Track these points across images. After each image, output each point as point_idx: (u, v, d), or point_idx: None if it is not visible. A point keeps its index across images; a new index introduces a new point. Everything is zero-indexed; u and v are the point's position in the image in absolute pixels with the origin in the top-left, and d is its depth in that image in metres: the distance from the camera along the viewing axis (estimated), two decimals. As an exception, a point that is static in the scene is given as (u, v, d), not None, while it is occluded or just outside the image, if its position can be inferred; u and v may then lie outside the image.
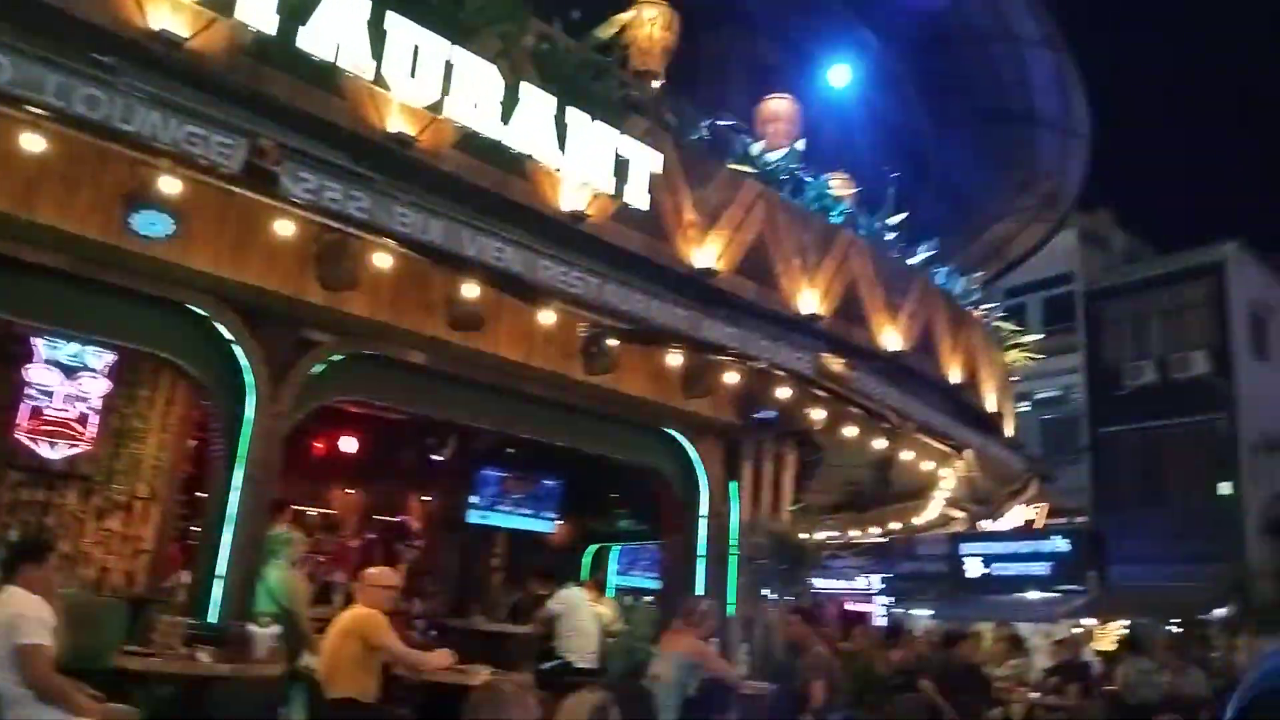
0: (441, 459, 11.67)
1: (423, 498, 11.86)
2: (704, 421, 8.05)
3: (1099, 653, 17.30)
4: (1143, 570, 20.63)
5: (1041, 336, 20.55)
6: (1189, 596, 16.60)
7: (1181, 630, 13.82)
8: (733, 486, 8.42)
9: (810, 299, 7.07)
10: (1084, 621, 20.67)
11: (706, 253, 6.43)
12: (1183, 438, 22.33)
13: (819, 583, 23.91)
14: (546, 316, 5.81)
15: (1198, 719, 8.27)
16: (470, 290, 5.50)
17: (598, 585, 9.04)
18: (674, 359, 6.57)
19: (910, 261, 8.43)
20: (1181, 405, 21.81)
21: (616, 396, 7.24)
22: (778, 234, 6.99)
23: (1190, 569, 18.29)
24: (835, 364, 7.03)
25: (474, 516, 11.49)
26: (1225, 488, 21.20)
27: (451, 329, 5.77)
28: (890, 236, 8.54)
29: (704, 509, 8.41)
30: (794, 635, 6.97)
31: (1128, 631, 20.03)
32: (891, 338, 7.80)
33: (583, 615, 7.67)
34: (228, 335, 5.58)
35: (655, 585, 11.65)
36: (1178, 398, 21.81)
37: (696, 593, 8.01)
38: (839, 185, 8.61)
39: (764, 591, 8.05)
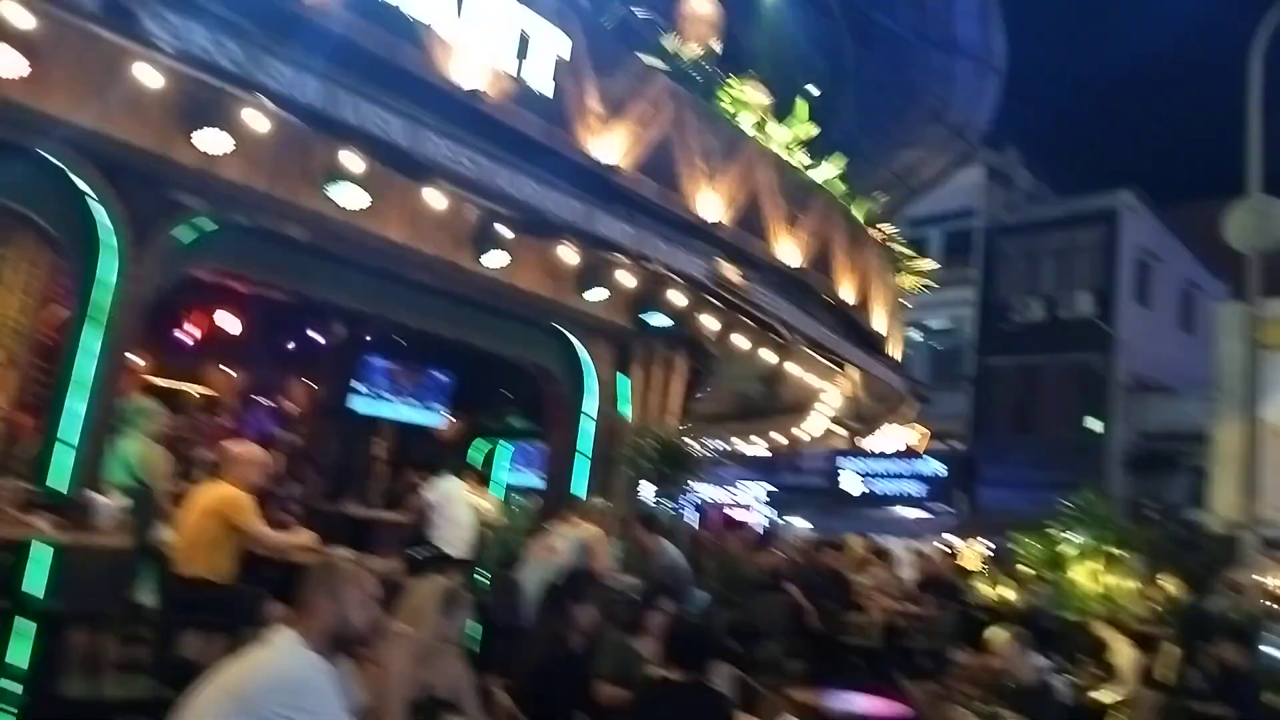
0: (327, 344, 11.38)
1: (305, 382, 11.57)
2: (596, 322, 7.98)
3: (961, 569, 18.27)
4: (1011, 495, 21.74)
5: (938, 267, 21.06)
6: (1044, 521, 17.52)
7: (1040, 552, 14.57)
8: (622, 388, 8.43)
9: (711, 205, 6.99)
10: (950, 539, 21.77)
11: (608, 146, 6.25)
12: (1061, 373, 23.37)
13: (706, 491, 24.55)
14: (435, 199, 5.58)
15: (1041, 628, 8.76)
16: (351, 161, 5.22)
17: (479, 478, 9.00)
18: (568, 254, 6.44)
19: (816, 177, 8.40)
20: (1063, 343, 22.75)
21: (507, 290, 7.09)
22: (684, 135, 6.84)
23: (1054, 496, 19.29)
24: (731, 273, 7.00)
25: (358, 405, 11.27)
26: (1094, 423, 22.36)
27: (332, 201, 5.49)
28: (799, 150, 8.47)
29: (590, 409, 8.41)
30: (640, 543, 7.10)
31: (991, 550, 21.20)
32: (789, 252, 7.80)
33: (458, 506, 7.63)
34: (86, 190, 5.20)
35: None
36: (1061, 335, 22.74)
37: (577, 492, 8.07)
38: (752, 93, 8.46)
39: (645, 494, 8.14)
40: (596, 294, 6.61)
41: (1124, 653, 7.87)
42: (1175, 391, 22.11)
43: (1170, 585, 11.10)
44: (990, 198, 25.22)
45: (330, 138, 5.09)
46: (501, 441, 13.37)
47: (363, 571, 2.81)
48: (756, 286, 7.06)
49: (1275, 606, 13.49)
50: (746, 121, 7.72)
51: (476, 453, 12.85)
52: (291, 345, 11.46)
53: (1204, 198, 21.89)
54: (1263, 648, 9.94)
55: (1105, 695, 7.41)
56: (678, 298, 6.81)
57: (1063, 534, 13.03)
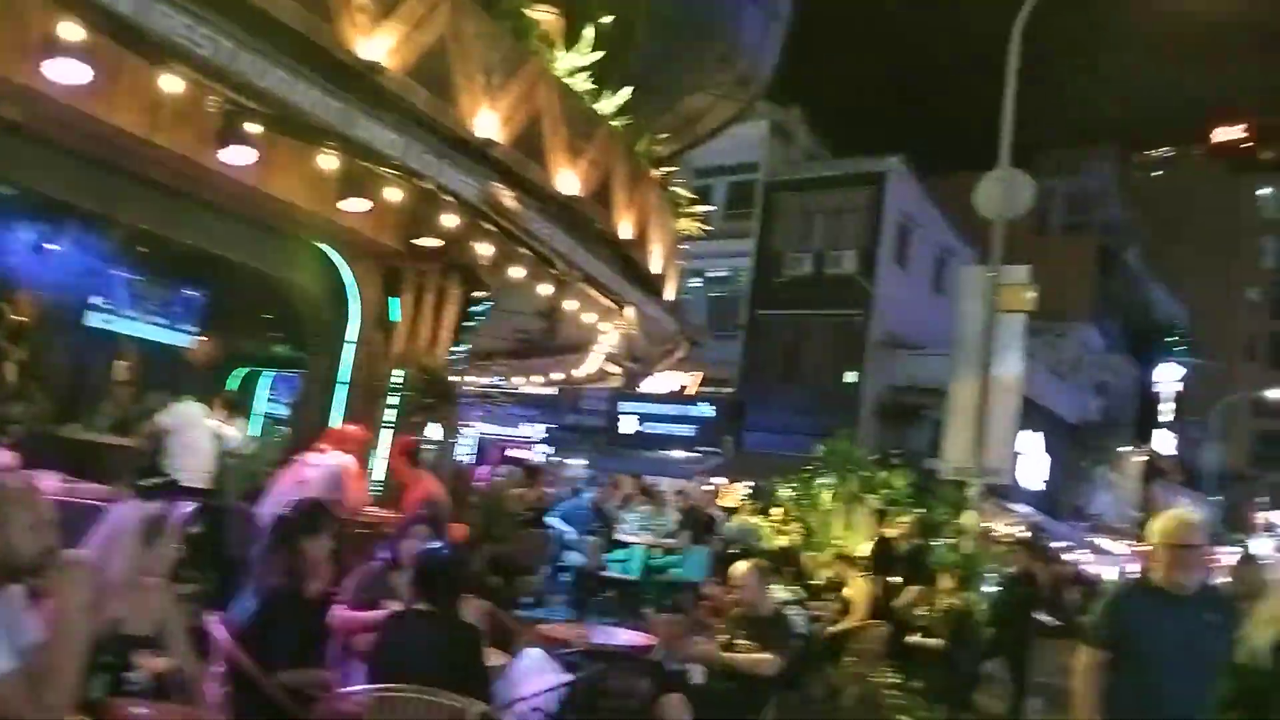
0: (60, 250, 10.11)
1: (34, 292, 10.25)
2: (362, 240, 7.49)
3: (723, 508, 19.06)
4: (775, 440, 22.89)
5: (717, 212, 21.58)
6: (803, 464, 18.60)
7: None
8: (390, 313, 8.02)
9: (488, 123, 6.65)
10: (716, 480, 22.69)
11: (375, 45, 5.77)
12: (824, 327, 24.72)
13: (485, 428, 24.26)
14: (171, 82, 4.93)
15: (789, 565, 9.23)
16: (70, 30, 4.52)
17: (228, 404, 8.33)
18: (327, 161, 5.92)
19: (600, 108, 8.21)
20: (829, 298, 24.03)
21: (259, 197, 6.48)
22: (462, 44, 6.44)
23: (814, 441, 20.50)
24: (507, 197, 6.71)
25: (95, 320, 10.15)
26: (851, 375, 23.86)
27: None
28: (584, 79, 8.23)
29: (353, 335, 7.94)
30: (400, 470, 6.84)
31: (751, 491, 22.26)
32: (569, 181, 7.59)
33: (197, 433, 7.03)
34: None
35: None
36: (827, 291, 24.00)
37: (334, 421, 7.63)
38: (540, 13, 8.12)
39: (410, 426, 7.81)
40: (356, 204, 6.15)
41: (859, 588, 8.42)
42: (923, 348, 23.94)
43: (906, 527, 12.00)
44: (772, 153, 26.08)
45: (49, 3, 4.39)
46: (263, 369, 12.51)
47: (32, 493, 2.41)
48: (534, 214, 6.82)
49: (996, 548, 14.95)
50: (531, 41, 7.41)
51: (234, 380, 11.95)
52: (16, 248, 10.11)
53: (960, 170, 23.68)
54: (984, 588, 10.95)
55: (839, 626, 7.91)
56: (449, 219, 6.46)
57: (816, 477, 13.85)
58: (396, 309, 8.01)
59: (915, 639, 7.05)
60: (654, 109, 11.59)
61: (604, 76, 8.55)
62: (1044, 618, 12.71)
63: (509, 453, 24.66)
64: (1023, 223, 14.90)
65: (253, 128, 5.33)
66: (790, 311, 24.71)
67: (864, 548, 11.98)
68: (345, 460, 6.57)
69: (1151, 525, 3.83)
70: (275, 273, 7.77)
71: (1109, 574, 29.22)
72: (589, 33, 8.16)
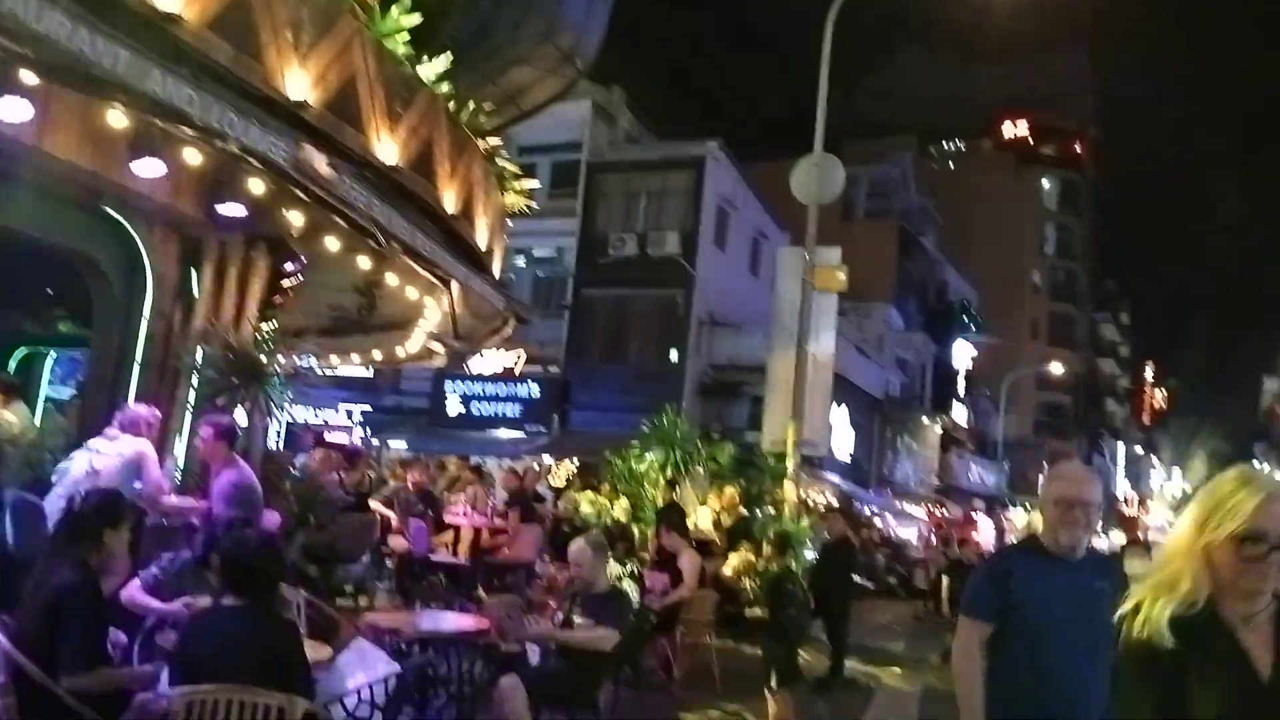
0: None
1: None
2: (157, 207, 6.86)
3: (552, 487, 18.99)
4: (600, 417, 23.00)
5: (540, 189, 21.29)
6: (629, 441, 18.80)
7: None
8: (190, 286, 7.40)
9: (299, 83, 6.22)
10: (544, 458, 22.60)
11: (170, -5, 5.27)
12: (647, 307, 25.04)
13: (298, 411, 23.13)
14: (-79, 21, 4.31)
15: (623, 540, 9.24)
16: None
17: (5, 388, 7.47)
18: (116, 118, 5.36)
19: (421, 73, 7.86)
20: (652, 278, 24.32)
21: (38, 157, 5.80)
22: (269, -1, 5.99)
23: (638, 419, 20.75)
24: (320, 162, 6.31)
25: None
26: (673, 354, 24.28)
27: None
28: (403, 43, 7.85)
29: (147, 310, 7.28)
30: (205, 454, 6.37)
31: (577, 469, 22.29)
32: (388, 149, 7.23)
33: (-34, 420, 6.26)
34: None
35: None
36: (650, 271, 24.27)
37: (127, 404, 6.98)
38: (356, -28, 7.67)
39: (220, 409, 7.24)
40: (150, 167, 5.61)
41: (689, 559, 8.53)
42: (741, 328, 24.65)
43: (729, 499, 12.32)
44: (595, 133, 26.08)
45: None
46: (46, 348, 11.36)
47: None
48: (349, 181, 6.44)
49: (812, 516, 15.57)
50: (346, -1, 7.00)
51: (12, 361, 10.79)
52: None
53: (774, 157, 24.46)
54: (807, 553, 11.37)
55: (673, 597, 8.00)
56: (256, 185, 6.01)
57: (642, 453, 14.00)
58: (197, 282, 7.41)
59: (753, 612, 7.22)
60: (476, 80, 11.27)
61: (424, 41, 8.20)
62: (859, 580, 13.40)
63: (325, 437, 23.67)
64: (831, 208, 15.55)
65: (28, 77, 4.75)
66: (615, 291, 24.86)
67: (692, 520, 12.22)
68: (139, 445, 6.01)
69: (1042, 482, 3.41)
70: (58, 242, 7.01)
71: (909, 534, 31.31)
72: (409, -5, 7.79)
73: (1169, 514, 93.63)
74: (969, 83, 68.88)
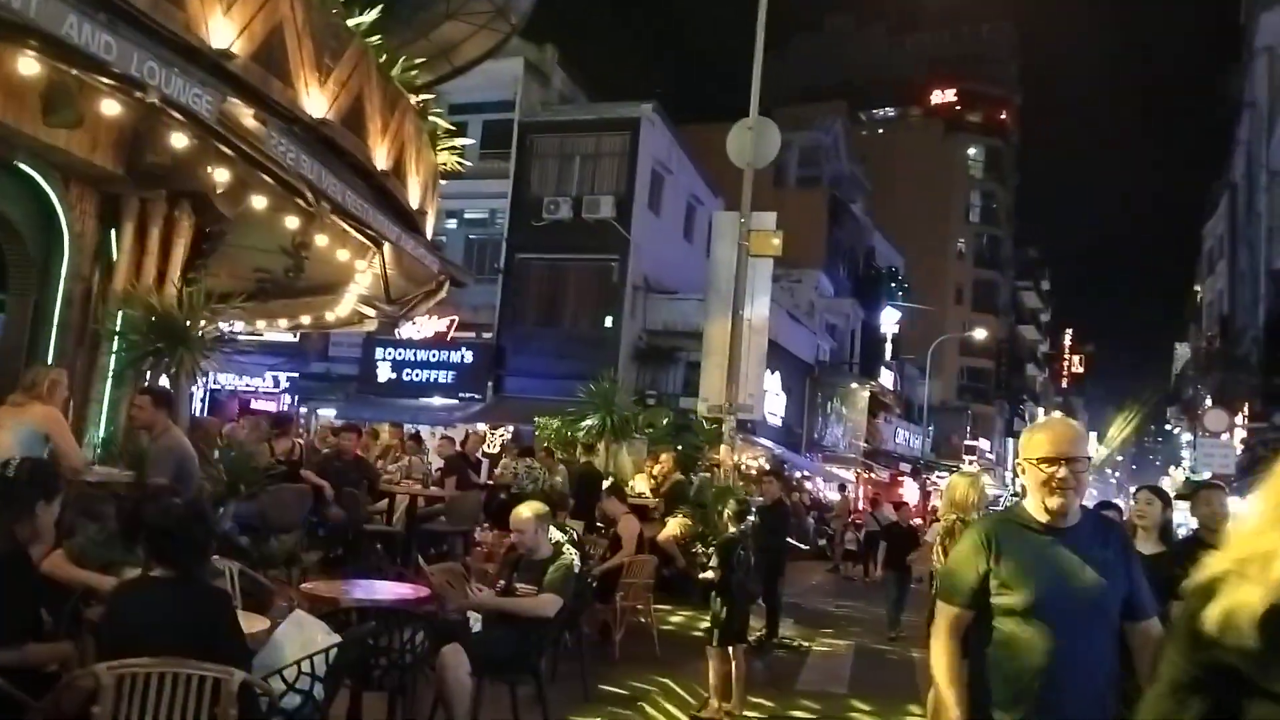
0: None
1: None
2: (74, 163, 6.52)
3: (486, 454, 18.83)
4: (536, 384, 22.86)
5: (474, 145, 20.87)
6: (564, 407, 18.72)
7: (553, 436, 15.47)
8: (110, 247, 7.07)
9: (223, 31, 5.93)
10: (478, 425, 22.38)
11: (81, -68, 4.95)
12: (583, 272, 24.85)
13: (224, 378, 22.50)
14: None
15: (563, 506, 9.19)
16: None
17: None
18: (28, 66, 5.04)
19: (351, 24, 7.57)
20: (586, 243, 24.11)
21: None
22: (189, -59, 5.68)
23: (573, 384, 20.66)
24: (246, 115, 6.04)
25: None
26: (608, 320, 24.18)
27: None
28: (333, -8, 7.55)
29: (65, 271, 6.94)
30: (143, 421, 6.11)
31: (509, 435, 22.14)
32: (316, 102, 6.96)
33: None
34: None
35: None
36: (585, 235, 24.05)
37: (43, 370, 6.65)
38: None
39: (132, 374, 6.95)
40: (64, 119, 5.30)
41: (628, 524, 8.52)
42: (676, 293, 24.65)
43: (667, 463, 12.34)
44: (528, 93, 25.64)
45: None
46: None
47: None
48: (277, 136, 6.18)
49: (746, 479, 15.72)
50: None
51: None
52: None
53: (707, 120, 24.37)
54: (751, 517, 11.41)
55: (612, 562, 7.99)
56: (178, 139, 5.72)
57: (579, 419, 13.94)
58: (116, 242, 7.08)
59: (706, 574, 7.22)
60: (407, 34, 10.94)
61: (354, -5, 7.91)
62: (793, 542, 13.58)
63: (248, 403, 23.11)
64: (763, 175, 15.55)
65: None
66: (550, 256, 24.60)
67: (630, 485, 12.24)
68: (46, 414, 5.71)
69: (1022, 439, 2.90)
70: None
71: (838, 497, 31.90)
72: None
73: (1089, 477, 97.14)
74: (898, 50, 69.59)
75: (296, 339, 22.23)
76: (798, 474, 26.68)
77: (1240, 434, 26.34)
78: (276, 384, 24.46)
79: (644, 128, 24.75)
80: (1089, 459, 2.93)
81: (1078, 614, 2.67)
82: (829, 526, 23.10)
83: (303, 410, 23.48)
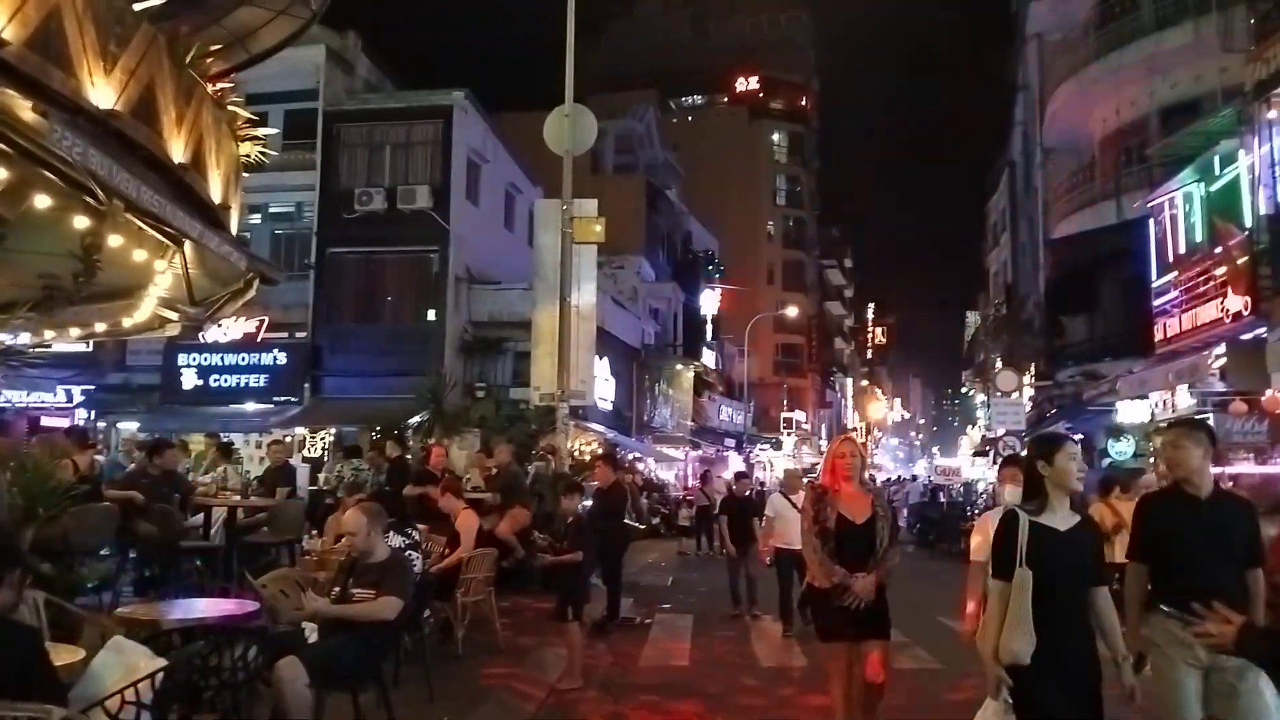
0: None
1: None
2: None
3: (306, 458, 18.11)
4: (357, 383, 22.14)
5: (277, 134, 19.89)
6: (392, 407, 18.25)
7: (382, 435, 15.07)
8: None
9: (-12, 16, 5.38)
10: (296, 430, 21.46)
11: None
12: (401, 265, 24.21)
13: (10, 395, 20.53)
14: None
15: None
16: None
17: None
18: None
19: (138, 8, 7.02)
20: (403, 235, 23.48)
21: None
22: (-59, -87, 5.10)
23: (396, 382, 20.13)
24: (24, 108, 5.52)
25: None
26: (431, 314, 23.67)
27: None
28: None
29: None
30: None
31: (333, 437, 21.38)
32: (104, 92, 6.42)
33: None
34: None
35: None
36: (401, 227, 23.41)
37: None
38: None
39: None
40: None
41: (465, 519, 8.41)
42: (499, 283, 24.41)
43: (502, 454, 12.23)
44: (330, 81, 24.65)
45: None
46: None
47: None
48: (60, 130, 5.67)
49: (580, 464, 15.82)
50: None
51: None
52: None
53: (522, 109, 24.23)
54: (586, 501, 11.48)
55: (451, 559, 7.87)
56: (-59, 135, 5.16)
57: (406, 417, 13.63)
58: None
59: (551, 558, 7.24)
60: (199, 18, 10.27)
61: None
62: (630, 522, 13.78)
63: (42, 422, 21.19)
64: (581, 162, 15.63)
65: None
66: (364, 250, 23.80)
67: (466, 477, 12.07)
68: None
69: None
70: None
71: (669, 476, 32.61)
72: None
73: (893, 441, 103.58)
74: (702, 39, 71.39)
75: (90, 348, 20.62)
76: (630, 456, 27.08)
77: (1029, 392, 28.79)
78: (70, 398, 22.54)
79: (457, 116, 24.29)
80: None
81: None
82: (663, 505, 23.60)
83: (101, 425, 21.76)
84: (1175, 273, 17.17)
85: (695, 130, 61.16)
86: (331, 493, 11.42)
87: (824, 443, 63.42)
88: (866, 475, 5.45)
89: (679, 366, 36.61)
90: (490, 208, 26.66)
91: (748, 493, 12.98)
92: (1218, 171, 16.00)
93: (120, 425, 21.75)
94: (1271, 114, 13.95)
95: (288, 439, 18.42)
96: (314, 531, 10.06)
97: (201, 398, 22.38)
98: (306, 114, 24.25)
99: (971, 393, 58.67)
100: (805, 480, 10.50)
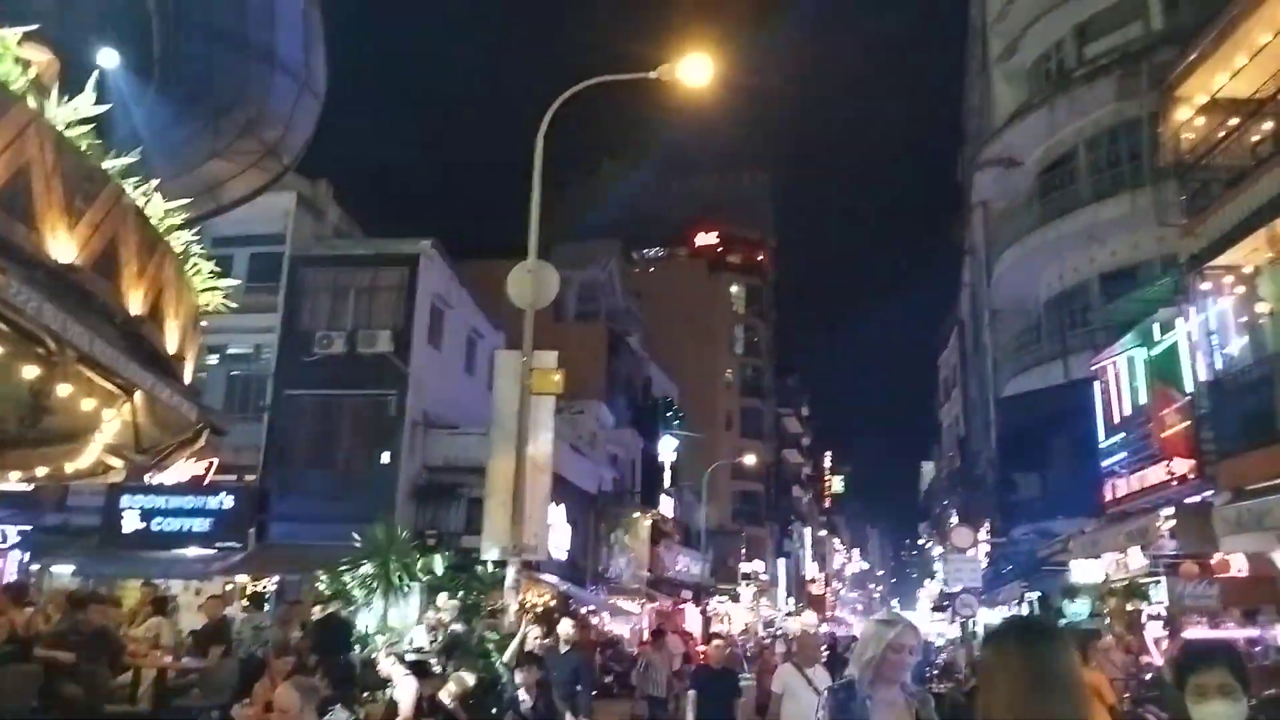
0: None
1: None
2: None
3: (245, 608, 17.36)
4: (306, 529, 21.51)
5: (241, 286, 19.95)
6: (341, 553, 17.67)
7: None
8: None
9: (-44, 174, 5.45)
10: (239, 578, 20.69)
11: None
12: (358, 408, 24.04)
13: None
14: None
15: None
16: None
17: None
18: None
19: (105, 166, 7.16)
20: (362, 378, 23.44)
21: None
22: (-80, 76, 5.23)
23: (347, 528, 19.58)
24: (-18, 263, 5.52)
25: None
26: (385, 457, 23.36)
27: None
28: (85, 134, 7.14)
29: None
30: None
31: (275, 585, 20.63)
32: (65, 247, 6.46)
33: None
34: None
35: None
36: (360, 370, 23.39)
37: None
38: (32, 51, 6.92)
39: None
40: None
41: (405, 685, 8.06)
42: (457, 427, 24.26)
43: (446, 612, 11.84)
44: (299, 227, 25.08)
45: None
46: None
47: None
48: (16, 285, 5.66)
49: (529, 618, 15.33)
50: (19, 81, 6.26)
51: None
52: None
53: (487, 257, 24.72)
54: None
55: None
56: (-105, 287, 5.13)
57: (353, 566, 13.21)
58: None
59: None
60: (170, 171, 10.48)
61: (110, 133, 7.52)
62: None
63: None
64: (544, 310, 15.86)
65: None
66: (321, 392, 23.65)
67: (410, 638, 11.61)
68: None
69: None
70: None
71: (623, 630, 31.69)
72: (91, 83, 7.13)
73: (852, 595, 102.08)
74: (665, 194, 74.11)
75: (30, 487, 19.94)
76: (583, 610, 26.35)
77: (985, 548, 28.74)
78: (4, 539, 21.61)
79: (423, 263, 24.71)
80: None
81: None
82: (616, 663, 22.80)
83: (34, 568, 20.83)
84: (1122, 434, 17.52)
85: (656, 280, 62.66)
86: (241, 649, 10.80)
87: (782, 593, 62.33)
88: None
89: (636, 514, 36.18)
90: (452, 352, 26.79)
91: (722, 664, 11.08)
92: (1157, 337, 16.58)
93: (54, 569, 20.84)
94: (1206, 285, 14.61)
95: (229, 587, 17.75)
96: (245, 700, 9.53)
97: (143, 541, 21.58)
98: (272, 257, 24.55)
99: (930, 544, 58.53)
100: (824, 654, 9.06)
